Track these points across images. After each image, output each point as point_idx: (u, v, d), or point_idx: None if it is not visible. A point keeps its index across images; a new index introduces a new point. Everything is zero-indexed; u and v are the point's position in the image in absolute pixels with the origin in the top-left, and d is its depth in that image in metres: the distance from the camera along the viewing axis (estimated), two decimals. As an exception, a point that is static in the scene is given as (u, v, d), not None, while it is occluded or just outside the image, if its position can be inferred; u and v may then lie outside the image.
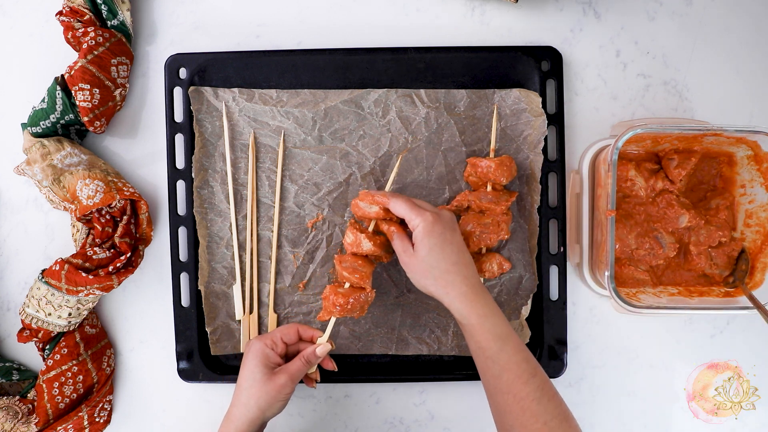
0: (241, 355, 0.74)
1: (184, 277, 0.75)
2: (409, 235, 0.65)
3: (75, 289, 0.69)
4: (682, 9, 0.76)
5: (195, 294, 0.75)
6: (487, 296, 0.63)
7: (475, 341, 0.62)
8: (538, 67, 0.74)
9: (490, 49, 0.75)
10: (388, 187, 0.69)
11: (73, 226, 0.74)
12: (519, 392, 0.59)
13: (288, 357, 0.67)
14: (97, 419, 0.74)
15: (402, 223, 0.66)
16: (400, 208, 0.64)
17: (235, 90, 0.74)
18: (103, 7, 0.71)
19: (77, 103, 0.70)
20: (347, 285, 0.67)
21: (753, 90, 0.76)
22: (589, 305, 0.77)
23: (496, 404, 0.61)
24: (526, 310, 0.74)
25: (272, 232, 0.75)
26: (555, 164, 0.75)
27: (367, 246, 0.66)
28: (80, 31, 0.70)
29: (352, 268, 0.67)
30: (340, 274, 0.68)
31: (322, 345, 0.67)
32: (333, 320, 0.67)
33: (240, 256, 0.75)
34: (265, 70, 0.74)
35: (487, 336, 0.61)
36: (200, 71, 0.74)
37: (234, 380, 0.67)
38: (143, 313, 0.77)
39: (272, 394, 0.63)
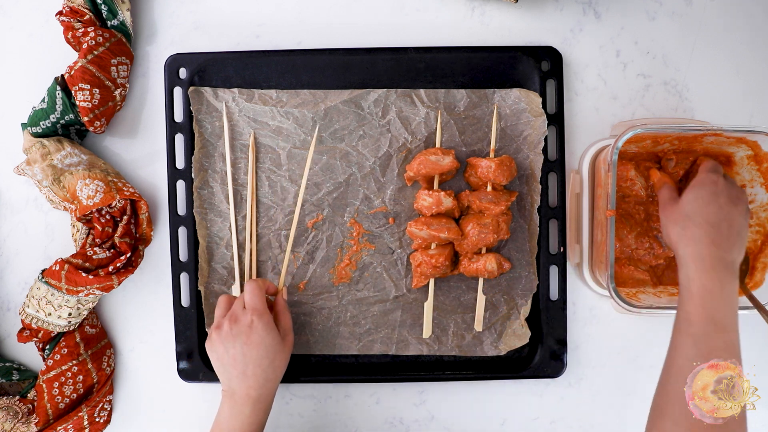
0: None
1: (184, 277, 0.75)
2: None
3: (75, 289, 0.69)
4: (682, 9, 0.76)
5: (195, 294, 0.75)
6: (730, 276, 0.57)
7: (685, 311, 0.56)
8: (538, 67, 0.74)
9: (490, 49, 0.75)
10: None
11: (73, 226, 0.74)
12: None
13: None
14: (97, 419, 0.74)
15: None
16: (704, 164, 0.65)
17: (235, 90, 0.74)
18: (103, 7, 0.71)
19: (77, 103, 0.70)
20: (434, 246, 0.71)
21: (753, 90, 0.76)
22: (589, 305, 0.77)
23: (669, 390, 0.55)
24: (526, 310, 0.74)
25: (274, 231, 0.75)
26: (555, 164, 0.75)
27: (447, 202, 0.71)
28: (80, 31, 0.70)
29: (441, 226, 0.70)
30: (425, 239, 0.71)
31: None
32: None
33: (240, 257, 0.75)
34: (265, 70, 0.74)
35: (701, 312, 0.55)
36: (200, 71, 0.74)
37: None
38: (143, 313, 0.77)
39: (288, 356, 0.67)
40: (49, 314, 0.71)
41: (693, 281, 0.57)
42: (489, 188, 0.72)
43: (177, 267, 0.75)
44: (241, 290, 0.75)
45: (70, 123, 0.72)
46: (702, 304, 0.56)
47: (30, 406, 0.72)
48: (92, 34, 0.70)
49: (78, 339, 0.73)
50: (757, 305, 0.66)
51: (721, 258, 0.58)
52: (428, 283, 0.73)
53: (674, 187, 0.66)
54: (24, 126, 0.73)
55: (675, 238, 0.60)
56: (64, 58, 0.73)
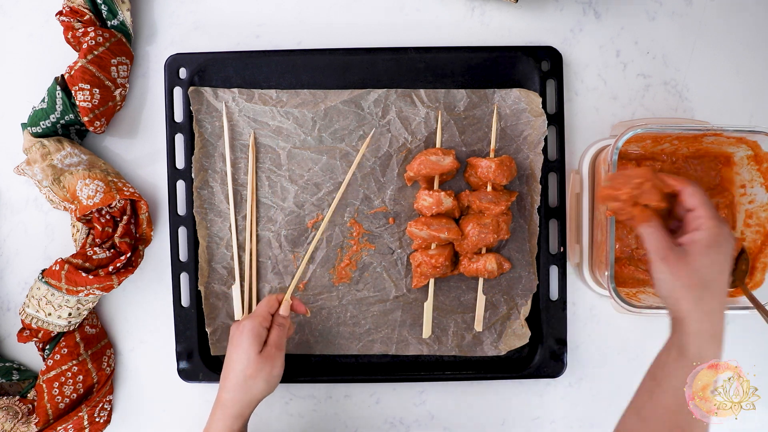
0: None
1: (184, 277, 0.75)
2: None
3: (75, 289, 0.69)
4: (682, 9, 0.76)
5: (195, 294, 0.75)
6: (722, 326, 0.54)
7: (690, 353, 0.53)
8: (538, 67, 0.74)
9: (490, 49, 0.75)
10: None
11: (73, 226, 0.74)
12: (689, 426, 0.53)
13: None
14: (97, 419, 0.74)
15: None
16: (698, 199, 0.55)
17: (235, 90, 0.74)
18: (103, 7, 0.71)
19: (77, 103, 0.70)
20: (434, 246, 0.71)
21: (753, 90, 0.76)
22: (589, 305, 0.77)
23: (650, 415, 0.54)
24: (526, 310, 0.74)
25: (274, 231, 0.75)
26: (555, 164, 0.75)
27: (447, 202, 0.71)
28: (80, 31, 0.70)
29: (441, 226, 0.70)
30: (425, 239, 0.71)
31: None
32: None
33: (240, 257, 0.75)
34: (265, 70, 0.74)
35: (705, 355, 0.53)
36: (200, 71, 0.74)
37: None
38: (143, 313, 0.77)
39: (267, 369, 0.64)
40: (49, 314, 0.71)
41: (704, 357, 0.54)
42: (489, 188, 0.72)
43: (177, 267, 0.75)
44: (241, 290, 0.75)
45: (70, 123, 0.72)
46: (706, 348, 0.54)
47: (30, 406, 0.72)
48: (92, 34, 0.70)
49: (78, 339, 0.73)
50: (757, 305, 0.66)
51: (725, 323, 0.55)
52: (428, 283, 0.73)
53: (667, 232, 0.56)
54: (24, 126, 0.73)
55: (687, 306, 0.53)
56: (64, 58, 0.73)
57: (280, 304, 0.68)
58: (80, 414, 0.72)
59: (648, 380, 0.58)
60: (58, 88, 0.71)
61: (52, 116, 0.71)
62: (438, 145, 0.73)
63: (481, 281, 0.74)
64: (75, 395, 0.72)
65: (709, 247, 0.54)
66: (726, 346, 0.76)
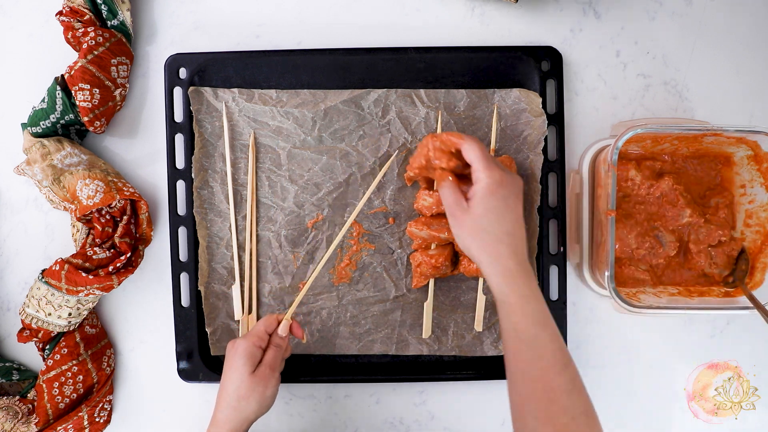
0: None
1: (184, 277, 0.75)
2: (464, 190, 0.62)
3: (75, 289, 0.69)
4: (682, 9, 0.76)
5: (195, 294, 0.75)
6: (532, 276, 0.59)
7: (511, 321, 0.58)
8: (538, 67, 0.74)
9: (490, 49, 0.75)
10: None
11: (73, 226, 0.74)
12: (550, 382, 0.56)
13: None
14: (97, 419, 0.74)
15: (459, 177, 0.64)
16: (472, 154, 0.60)
17: (235, 90, 0.74)
18: (103, 7, 0.71)
19: (77, 103, 0.70)
20: (434, 246, 0.71)
21: (753, 90, 0.76)
22: (589, 305, 0.77)
23: (521, 391, 0.57)
24: (526, 310, 0.74)
25: (274, 231, 0.75)
26: (555, 164, 0.75)
27: None
28: (80, 31, 0.70)
29: (441, 226, 0.70)
30: (425, 239, 0.71)
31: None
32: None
33: (240, 257, 0.75)
34: (265, 70, 0.74)
35: (525, 319, 0.57)
36: (200, 71, 0.74)
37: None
38: (143, 313, 0.77)
39: (259, 390, 0.63)
40: (49, 314, 0.71)
41: (509, 295, 0.58)
42: (489, 188, 0.72)
43: (177, 267, 0.75)
44: (241, 290, 0.75)
45: (70, 123, 0.72)
46: (524, 313, 0.58)
47: (30, 406, 0.72)
48: (92, 34, 0.70)
49: (78, 339, 0.73)
50: (757, 305, 0.66)
51: (522, 261, 0.59)
52: (428, 283, 0.73)
53: (458, 188, 0.62)
54: (24, 126, 0.73)
55: (475, 252, 0.60)
56: (64, 58, 0.73)
57: (279, 324, 0.68)
58: (80, 414, 0.72)
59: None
60: (58, 88, 0.71)
61: (52, 116, 0.71)
62: (438, 145, 0.73)
63: (481, 281, 0.74)
64: (75, 395, 0.72)
65: (483, 197, 0.59)
66: (726, 346, 0.76)
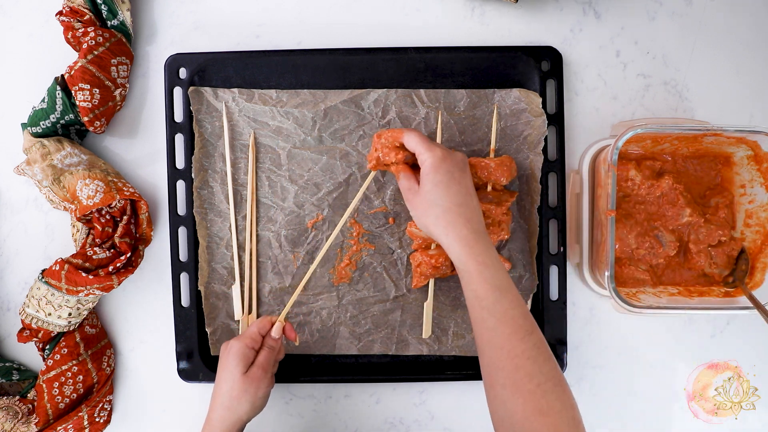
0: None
1: (184, 277, 0.75)
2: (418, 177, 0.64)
3: (75, 289, 0.69)
4: (682, 9, 0.76)
5: (195, 294, 0.75)
6: (489, 244, 0.61)
7: (472, 289, 0.59)
8: (538, 67, 0.74)
9: (490, 49, 0.75)
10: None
11: (73, 226, 0.74)
12: (514, 348, 0.56)
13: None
14: (97, 419, 0.74)
15: (413, 168, 0.66)
16: (412, 141, 0.63)
17: (235, 90, 0.74)
18: (103, 7, 0.71)
19: (77, 103, 0.70)
20: (434, 246, 0.71)
21: (753, 90, 0.76)
22: (589, 305, 0.77)
23: (488, 359, 0.58)
24: (526, 310, 0.74)
25: (274, 231, 0.75)
26: (555, 164, 0.75)
27: None
28: (80, 31, 0.70)
29: None
30: (425, 239, 0.71)
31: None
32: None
33: (240, 257, 0.75)
34: (265, 70, 0.74)
35: (485, 285, 0.59)
36: (200, 71, 0.74)
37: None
38: (143, 313, 0.77)
39: (251, 390, 0.64)
40: (49, 314, 0.71)
41: (467, 262, 0.60)
42: (489, 188, 0.72)
43: (177, 267, 0.75)
44: (242, 290, 0.75)
45: (70, 123, 0.72)
46: (483, 279, 0.59)
47: (30, 406, 0.72)
48: (92, 34, 0.70)
49: (78, 339, 0.73)
50: (757, 305, 0.66)
51: (477, 229, 0.61)
52: (428, 283, 0.73)
53: (411, 174, 0.65)
54: (24, 126, 0.73)
55: (432, 227, 0.62)
56: (64, 58, 0.73)
57: (272, 325, 0.68)
58: (80, 414, 0.72)
59: None
60: (58, 88, 0.71)
61: (52, 116, 0.71)
62: (438, 145, 0.74)
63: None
64: (75, 395, 0.72)
65: (428, 174, 0.62)
66: (726, 345, 0.76)
